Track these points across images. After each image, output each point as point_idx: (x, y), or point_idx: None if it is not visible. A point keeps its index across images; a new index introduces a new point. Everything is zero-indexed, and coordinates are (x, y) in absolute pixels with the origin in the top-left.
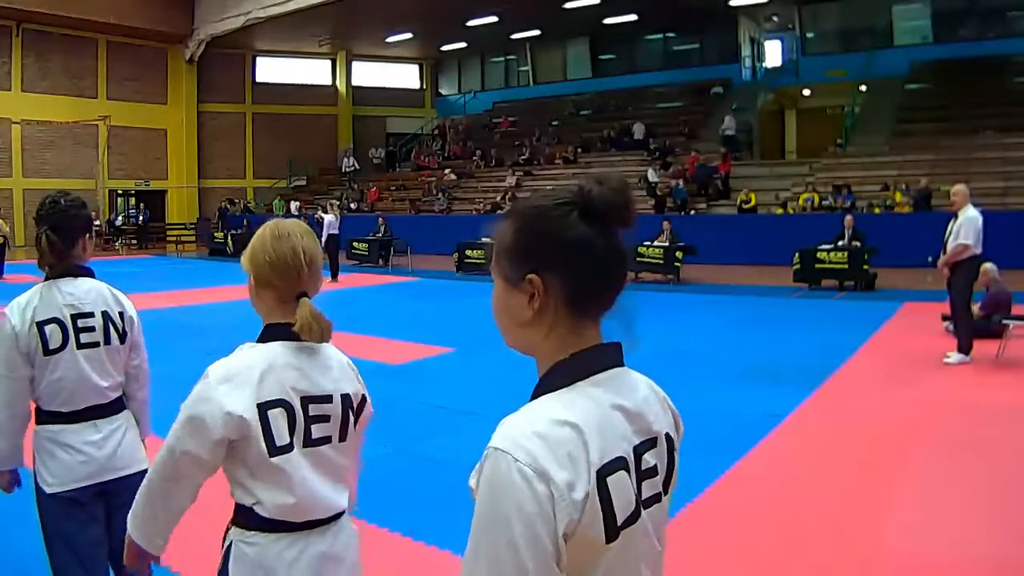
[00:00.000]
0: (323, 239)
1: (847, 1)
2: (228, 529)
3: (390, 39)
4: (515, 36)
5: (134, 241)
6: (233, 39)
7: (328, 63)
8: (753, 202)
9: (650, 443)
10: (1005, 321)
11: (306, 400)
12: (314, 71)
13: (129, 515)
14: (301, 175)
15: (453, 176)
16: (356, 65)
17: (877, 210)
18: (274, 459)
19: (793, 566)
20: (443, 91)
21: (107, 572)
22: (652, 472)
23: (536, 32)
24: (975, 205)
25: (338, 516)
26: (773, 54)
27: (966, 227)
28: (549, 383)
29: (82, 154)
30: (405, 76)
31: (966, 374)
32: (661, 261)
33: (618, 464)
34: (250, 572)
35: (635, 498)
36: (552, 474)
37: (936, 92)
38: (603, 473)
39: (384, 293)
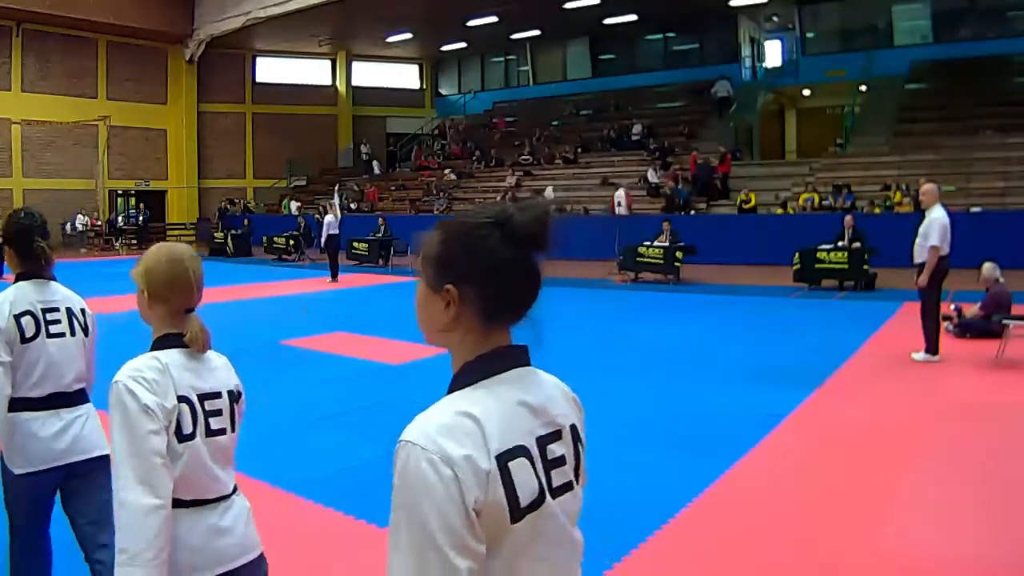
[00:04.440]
0: (323, 239)
1: (847, 1)
2: None
3: (390, 39)
4: (515, 36)
5: (134, 241)
6: (233, 39)
7: (328, 63)
8: (753, 202)
9: (555, 435)
10: (1005, 321)
11: (202, 397)
12: (314, 71)
13: None
14: (301, 175)
15: (453, 176)
16: (356, 65)
17: (877, 210)
18: (180, 446)
19: (793, 566)
20: (443, 91)
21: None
22: (560, 461)
23: (536, 32)
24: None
25: (227, 496)
26: (773, 54)
27: (934, 228)
28: (459, 381)
29: (82, 154)
30: (405, 76)
31: (966, 374)
32: (661, 261)
33: (519, 452)
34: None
35: (540, 484)
36: (455, 459)
37: (936, 92)
38: (503, 458)
39: (384, 293)
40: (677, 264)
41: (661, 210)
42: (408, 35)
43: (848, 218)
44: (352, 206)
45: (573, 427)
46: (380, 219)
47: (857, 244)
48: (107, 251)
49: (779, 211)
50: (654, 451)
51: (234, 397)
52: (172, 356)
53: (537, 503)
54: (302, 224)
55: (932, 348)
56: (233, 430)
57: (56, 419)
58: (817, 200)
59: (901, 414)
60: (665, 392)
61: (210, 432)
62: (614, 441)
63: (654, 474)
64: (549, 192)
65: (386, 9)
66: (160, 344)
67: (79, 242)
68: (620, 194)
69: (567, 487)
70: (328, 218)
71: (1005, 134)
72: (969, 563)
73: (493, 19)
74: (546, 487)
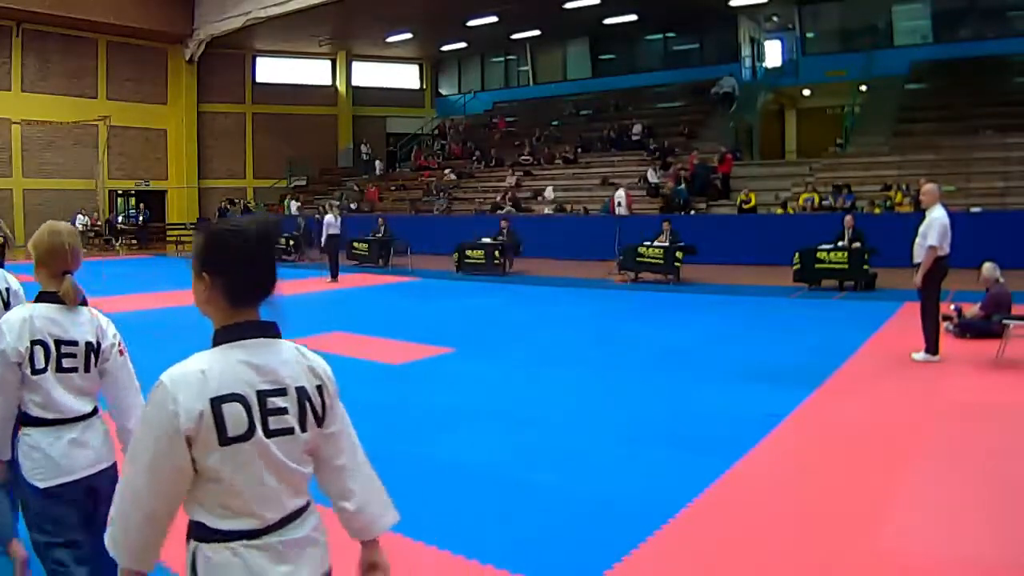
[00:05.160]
0: (323, 239)
1: (847, 1)
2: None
3: (390, 39)
4: (515, 36)
5: (134, 241)
6: (233, 39)
7: (328, 63)
8: (753, 202)
9: (279, 391)
10: (1005, 321)
11: (58, 343)
12: (314, 71)
13: None
14: (301, 175)
15: (453, 176)
16: (356, 65)
17: (877, 210)
18: (35, 377)
19: (793, 566)
20: (443, 91)
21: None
22: (281, 411)
23: (536, 32)
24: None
25: (85, 418)
26: (773, 54)
27: (933, 228)
28: (213, 343)
29: (82, 154)
30: (405, 76)
31: (966, 374)
32: (661, 261)
33: (233, 398)
34: (26, 453)
35: (251, 423)
36: (180, 398)
37: (936, 92)
38: (217, 401)
39: (384, 293)
40: (677, 264)
41: (659, 210)
42: (408, 35)
43: (848, 218)
44: (352, 206)
45: (301, 388)
46: (380, 219)
47: (857, 244)
48: (107, 251)
49: (779, 211)
50: (654, 451)
51: (93, 348)
52: (42, 309)
53: (246, 436)
54: (302, 224)
55: (932, 348)
56: (87, 370)
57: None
58: (817, 200)
59: (901, 414)
60: (665, 392)
61: (61, 369)
62: (614, 441)
63: (654, 474)
64: (549, 192)
65: (386, 9)
66: (39, 298)
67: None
68: (620, 194)
69: (287, 431)
70: (328, 218)
71: (1005, 134)
72: (969, 563)
73: (493, 19)
74: (259, 426)
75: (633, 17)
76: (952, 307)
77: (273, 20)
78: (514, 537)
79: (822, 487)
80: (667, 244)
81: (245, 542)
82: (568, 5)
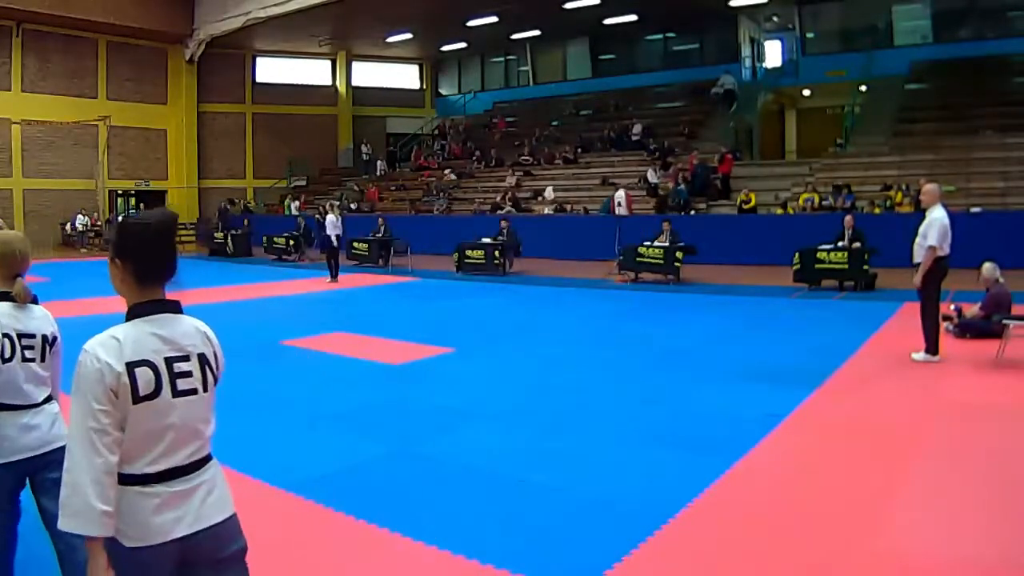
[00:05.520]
0: (333, 238)
1: (847, 1)
2: None
3: (390, 39)
4: (515, 36)
5: None
6: (233, 39)
7: (328, 63)
8: (753, 202)
9: (183, 358)
10: (1005, 321)
11: (20, 335)
12: (314, 71)
13: None
14: (301, 175)
15: (453, 176)
16: (356, 65)
17: (877, 210)
18: (1, 366)
19: (793, 566)
20: (443, 91)
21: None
22: (187, 375)
23: (536, 32)
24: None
25: (37, 405)
26: (773, 54)
27: (933, 228)
28: (127, 317)
29: (82, 154)
30: (405, 76)
31: (966, 374)
32: (661, 261)
33: (144, 363)
34: None
35: (159, 384)
36: (103, 359)
37: (936, 92)
38: (131, 365)
39: (384, 293)
40: (677, 264)
41: (654, 210)
42: (408, 35)
43: (848, 218)
44: (352, 206)
45: (201, 354)
46: (380, 219)
47: (857, 244)
48: (107, 251)
49: (779, 211)
50: (654, 451)
51: (48, 340)
52: (3, 307)
53: (154, 395)
54: (302, 224)
55: (932, 348)
56: (43, 360)
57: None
58: (817, 200)
59: (901, 414)
60: (665, 392)
61: (25, 359)
62: (614, 441)
63: (654, 474)
64: (549, 192)
65: (386, 9)
66: None
67: (79, 242)
68: (620, 194)
69: (192, 392)
70: (330, 218)
71: (1005, 134)
72: (969, 563)
73: (493, 19)
74: (166, 387)
75: (633, 17)
76: (952, 307)
77: (273, 20)
78: (514, 537)
79: (822, 487)
80: (667, 244)
81: (152, 485)
82: (568, 5)
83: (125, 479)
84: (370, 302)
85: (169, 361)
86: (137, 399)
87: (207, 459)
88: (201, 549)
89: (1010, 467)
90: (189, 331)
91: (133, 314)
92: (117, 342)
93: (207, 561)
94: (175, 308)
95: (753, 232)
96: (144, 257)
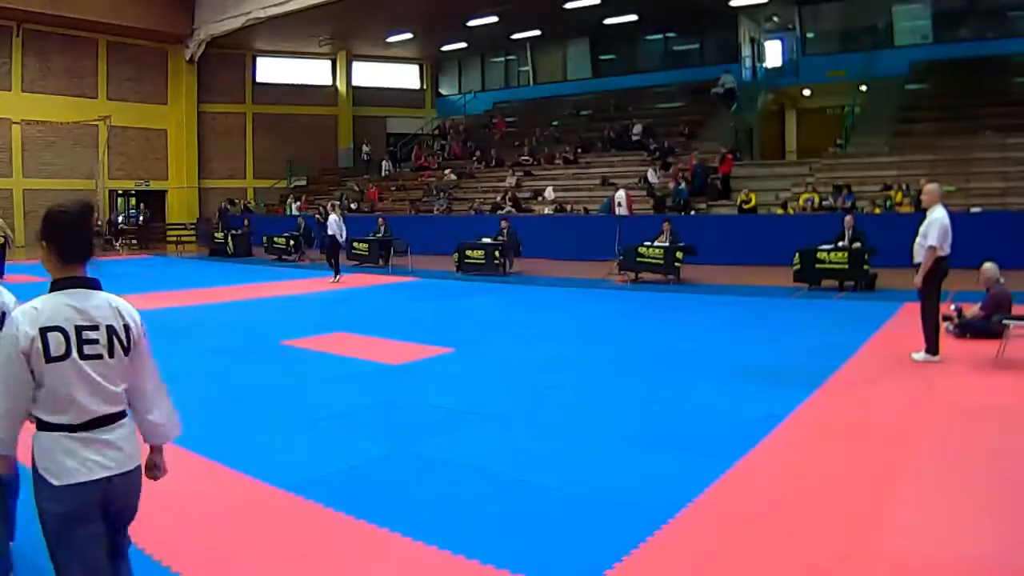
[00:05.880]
0: (341, 237)
1: (847, 1)
2: None
3: (390, 39)
4: (515, 36)
5: (134, 241)
6: (233, 39)
7: (328, 63)
8: (753, 202)
9: (92, 327)
10: (1005, 321)
11: None
12: (314, 71)
13: None
14: (301, 175)
15: (453, 176)
16: (356, 65)
17: (877, 210)
18: None
19: (793, 566)
20: (443, 91)
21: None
22: (94, 342)
23: (536, 32)
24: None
25: None
26: (773, 54)
27: (934, 228)
28: (50, 290)
29: (82, 154)
30: (405, 76)
31: (966, 374)
32: (661, 261)
33: (56, 329)
34: None
35: (67, 347)
36: (20, 326)
37: (936, 92)
38: (44, 330)
39: (384, 293)
40: (677, 264)
41: (652, 210)
42: (408, 35)
43: (848, 218)
44: (352, 206)
45: (110, 326)
46: (380, 219)
47: (857, 244)
48: (107, 251)
49: (779, 211)
50: (654, 451)
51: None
52: None
53: (64, 357)
54: (302, 224)
55: (932, 348)
56: None
57: None
58: (817, 200)
59: (901, 414)
60: (665, 392)
61: None
62: (614, 441)
63: (654, 474)
64: (549, 192)
65: (386, 9)
66: None
67: None
68: (620, 195)
69: (98, 356)
70: (332, 218)
71: (1005, 134)
72: (969, 563)
73: (493, 19)
74: (75, 350)
75: (633, 17)
76: (952, 307)
77: (273, 20)
78: (514, 537)
79: (822, 487)
80: (667, 244)
81: (65, 433)
82: (568, 5)
83: (51, 427)
84: (370, 302)
85: (79, 329)
86: (49, 359)
87: (121, 415)
88: (118, 492)
89: (1010, 467)
90: (101, 305)
91: (55, 287)
92: (35, 311)
93: (122, 504)
94: (92, 284)
95: (753, 232)
96: (65, 240)
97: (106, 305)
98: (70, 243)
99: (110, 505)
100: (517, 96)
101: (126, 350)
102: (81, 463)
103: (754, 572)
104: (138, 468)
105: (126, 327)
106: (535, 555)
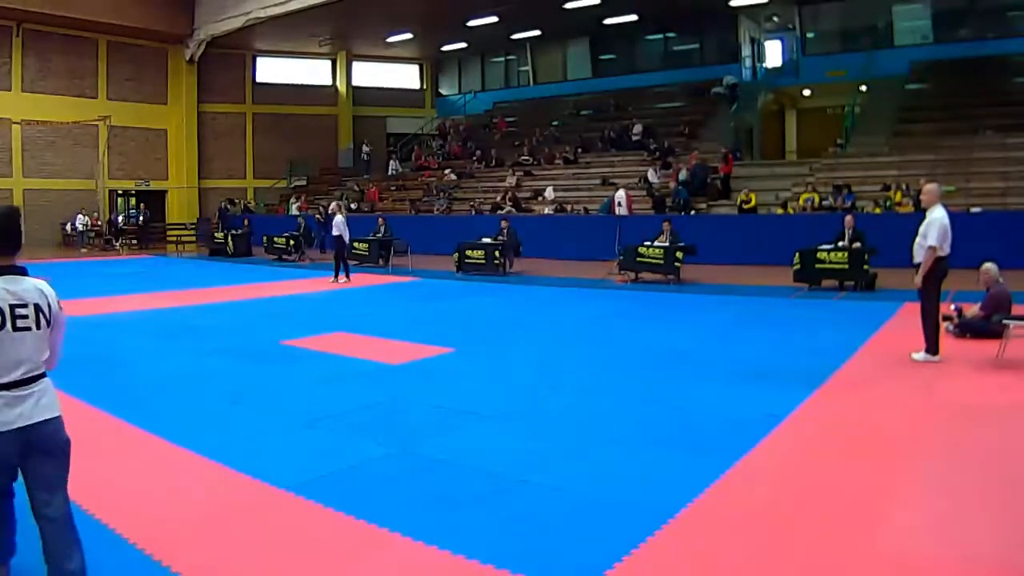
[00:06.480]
0: (346, 237)
1: (847, 1)
2: None
3: (390, 39)
4: (515, 36)
5: (134, 241)
6: (233, 39)
7: (328, 63)
8: (753, 202)
9: (22, 305)
10: (1005, 321)
11: None
12: (314, 71)
13: None
14: (301, 175)
15: (453, 176)
16: (356, 65)
17: (877, 210)
18: None
19: (793, 566)
20: (443, 91)
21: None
22: (24, 317)
23: (536, 32)
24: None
25: None
26: (773, 54)
27: (933, 228)
28: None
29: (82, 154)
30: (405, 76)
31: (966, 374)
32: (661, 261)
33: None
34: None
35: (2, 321)
36: None
37: (936, 92)
38: None
39: (384, 293)
40: (677, 264)
41: (653, 210)
42: (408, 35)
43: (848, 218)
44: (352, 206)
45: (36, 304)
46: (380, 219)
47: (857, 244)
48: (107, 251)
49: (779, 211)
50: (654, 451)
51: None
52: None
53: (0, 328)
54: (302, 224)
55: (932, 348)
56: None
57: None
58: (817, 200)
59: (901, 414)
60: (665, 392)
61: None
62: (614, 441)
63: (654, 474)
64: (549, 192)
65: (386, 9)
66: None
67: (79, 242)
68: (620, 195)
69: (28, 328)
70: (338, 218)
71: (1005, 134)
72: (969, 563)
73: (493, 19)
74: (8, 323)
75: (633, 17)
76: (952, 307)
77: (273, 20)
78: (514, 537)
79: (822, 487)
80: (667, 244)
81: (1, 391)
82: (568, 5)
83: None
84: (370, 302)
85: (12, 307)
86: None
87: (41, 376)
88: (38, 438)
89: (1010, 467)
90: (29, 288)
91: None
92: None
93: (42, 448)
94: (21, 271)
95: (753, 232)
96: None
97: (33, 288)
98: (3, 239)
99: (34, 446)
100: (517, 96)
101: (48, 323)
102: (9, 414)
103: (754, 572)
104: (59, 417)
105: (48, 306)
106: (535, 555)
